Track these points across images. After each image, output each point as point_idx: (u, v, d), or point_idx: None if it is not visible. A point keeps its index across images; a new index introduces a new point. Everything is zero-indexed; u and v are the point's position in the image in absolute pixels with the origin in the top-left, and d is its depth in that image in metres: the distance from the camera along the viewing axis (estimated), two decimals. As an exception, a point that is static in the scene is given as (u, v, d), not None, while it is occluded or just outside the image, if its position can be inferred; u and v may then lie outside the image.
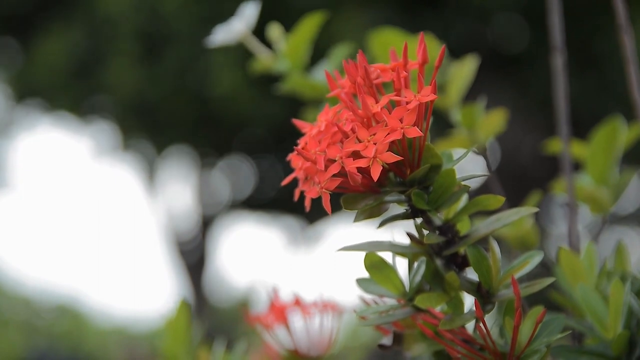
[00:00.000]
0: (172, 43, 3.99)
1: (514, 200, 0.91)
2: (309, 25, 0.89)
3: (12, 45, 4.79)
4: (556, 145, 0.93)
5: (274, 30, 0.90)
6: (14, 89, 4.84)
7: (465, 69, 0.87)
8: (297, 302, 0.83)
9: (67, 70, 4.31)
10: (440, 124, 0.85)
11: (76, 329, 7.52)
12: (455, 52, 0.93)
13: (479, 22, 3.92)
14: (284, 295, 0.84)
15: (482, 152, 0.83)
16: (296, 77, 0.89)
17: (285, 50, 0.89)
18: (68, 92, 4.50)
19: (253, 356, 0.92)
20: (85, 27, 4.24)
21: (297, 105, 0.94)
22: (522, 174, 4.24)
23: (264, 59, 0.90)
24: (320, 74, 0.90)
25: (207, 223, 5.88)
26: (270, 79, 0.93)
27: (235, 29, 0.88)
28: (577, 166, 0.92)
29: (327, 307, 0.84)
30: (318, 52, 0.94)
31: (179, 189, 5.93)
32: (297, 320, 0.84)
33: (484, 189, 0.87)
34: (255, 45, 0.90)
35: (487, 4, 3.72)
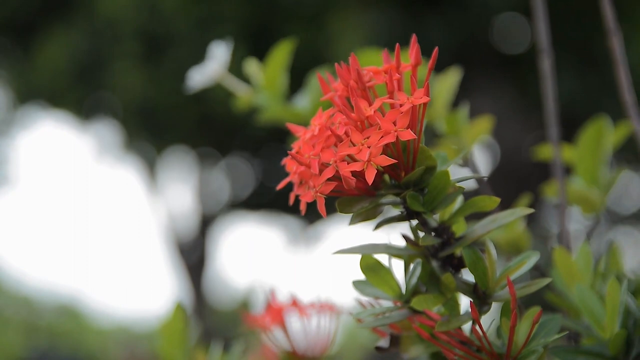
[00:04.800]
0: (173, 44, 4.00)
1: (514, 200, 0.91)
2: (282, 53, 0.88)
3: (13, 47, 4.79)
4: (546, 151, 0.93)
5: (251, 65, 0.90)
6: (16, 89, 4.84)
7: (449, 81, 0.88)
8: (294, 303, 0.83)
9: (69, 72, 4.31)
10: (426, 134, 0.85)
11: (77, 328, 7.53)
12: (456, 53, 0.92)
13: (481, 22, 3.92)
14: (283, 296, 0.85)
15: (467, 161, 0.83)
16: (275, 108, 0.88)
17: (262, 83, 0.89)
18: (70, 94, 4.50)
19: (251, 357, 0.93)
20: (87, 29, 4.24)
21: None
22: (522, 174, 4.23)
23: (244, 97, 0.90)
24: (301, 101, 0.89)
25: (207, 223, 5.88)
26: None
27: (209, 71, 0.88)
28: (570, 169, 0.92)
29: (325, 308, 0.84)
30: (317, 53, 0.94)
31: (180, 189, 5.93)
32: (294, 321, 0.84)
33: (479, 193, 0.87)
34: (233, 82, 0.89)
35: (489, 4, 3.72)
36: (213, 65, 0.88)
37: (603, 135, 0.86)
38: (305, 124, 0.88)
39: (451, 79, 0.88)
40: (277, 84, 0.89)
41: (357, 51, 0.86)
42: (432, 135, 0.88)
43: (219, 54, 0.88)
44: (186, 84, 0.89)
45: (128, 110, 4.44)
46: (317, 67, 0.91)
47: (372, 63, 0.83)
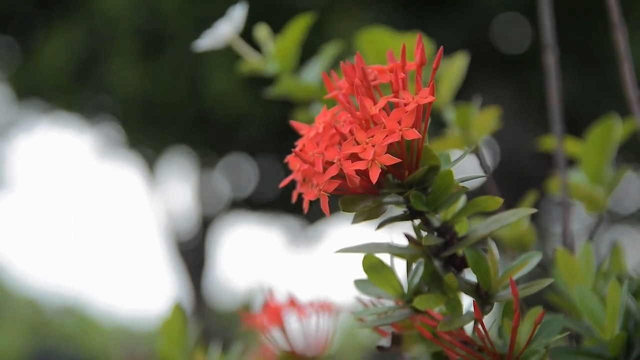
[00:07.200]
0: (171, 42, 4.00)
1: (515, 200, 0.91)
2: (298, 27, 0.88)
3: (12, 45, 4.79)
4: (550, 143, 0.92)
5: (262, 31, 0.89)
6: (14, 88, 4.84)
7: (455, 67, 0.86)
8: (292, 303, 0.83)
9: (67, 70, 4.31)
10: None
11: (80, 329, 7.54)
12: (457, 52, 0.92)
13: (482, 21, 3.92)
14: (281, 295, 0.84)
15: (477, 152, 0.82)
16: (287, 80, 0.88)
17: (274, 53, 0.88)
18: (68, 92, 4.50)
19: (250, 357, 0.92)
20: (86, 27, 4.24)
21: (294, 105, 0.93)
22: (523, 174, 4.23)
23: (252, 62, 0.89)
24: (310, 74, 0.89)
25: (207, 223, 5.88)
26: (264, 81, 0.93)
27: (222, 32, 0.87)
28: (572, 162, 0.91)
29: (323, 307, 0.84)
30: (317, 53, 0.93)
31: (180, 188, 5.93)
32: (293, 321, 0.83)
33: (482, 189, 0.86)
34: (243, 48, 0.89)
35: (489, 4, 3.72)
36: (226, 28, 0.87)
37: (611, 134, 0.85)
38: (313, 98, 0.88)
39: (458, 64, 0.86)
40: (290, 56, 0.88)
41: (362, 31, 0.85)
42: (436, 123, 0.87)
43: (234, 17, 0.87)
44: (196, 43, 0.88)
45: (127, 108, 4.44)
46: (305, 67, 0.91)
47: (379, 43, 0.83)
